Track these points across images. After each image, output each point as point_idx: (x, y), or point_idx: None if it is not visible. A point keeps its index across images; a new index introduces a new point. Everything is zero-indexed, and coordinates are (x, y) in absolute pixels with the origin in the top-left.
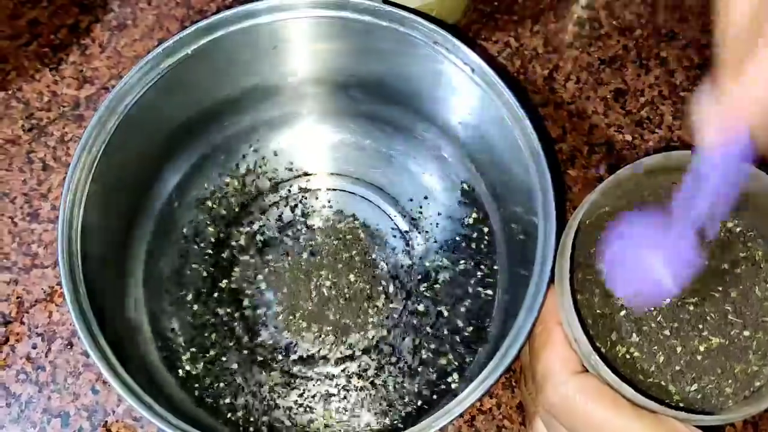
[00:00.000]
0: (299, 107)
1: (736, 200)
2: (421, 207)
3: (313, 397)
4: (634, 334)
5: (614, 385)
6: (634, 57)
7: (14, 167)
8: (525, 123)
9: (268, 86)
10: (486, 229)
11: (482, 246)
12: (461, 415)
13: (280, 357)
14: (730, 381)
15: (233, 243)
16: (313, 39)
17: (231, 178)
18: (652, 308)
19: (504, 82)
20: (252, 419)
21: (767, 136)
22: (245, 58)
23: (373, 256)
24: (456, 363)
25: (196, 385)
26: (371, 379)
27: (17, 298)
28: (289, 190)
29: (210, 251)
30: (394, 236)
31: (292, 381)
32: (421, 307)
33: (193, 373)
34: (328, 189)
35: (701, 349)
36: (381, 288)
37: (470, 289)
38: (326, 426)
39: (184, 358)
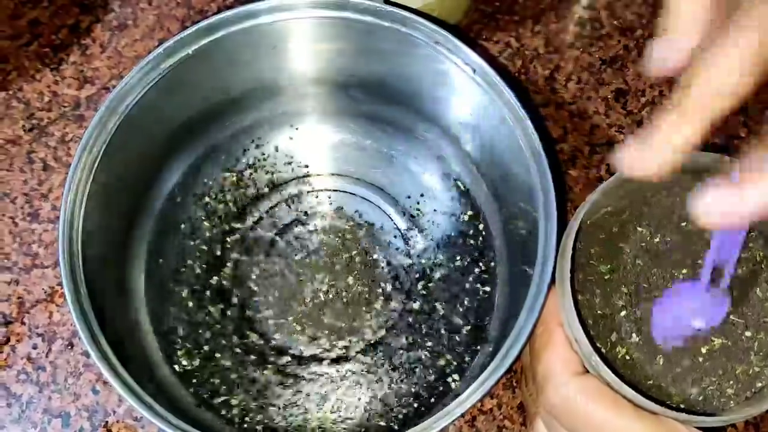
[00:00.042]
0: (300, 107)
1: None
2: (419, 204)
3: (308, 396)
4: (635, 335)
5: (615, 386)
6: (635, 57)
7: (15, 167)
8: (526, 123)
9: (269, 86)
10: (482, 226)
11: (479, 242)
12: (462, 416)
13: (272, 357)
14: (731, 382)
15: (228, 239)
16: (314, 39)
17: (230, 173)
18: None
19: (505, 83)
20: (247, 418)
21: None
22: (246, 58)
23: (374, 256)
24: (455, 363)
25: (193, 381)
26: (367, 379)
27: (18, 298)
28: (289, 190)
29: (204, 247)
30: (395, 236)
31: (286, 380)
32: (418, 306)
33: (189, 368)
34: (328, 189)
35: (702, 350)
36: (380, 290)
37: (468, 286)
38: (320, 427)
39: (179, 353)
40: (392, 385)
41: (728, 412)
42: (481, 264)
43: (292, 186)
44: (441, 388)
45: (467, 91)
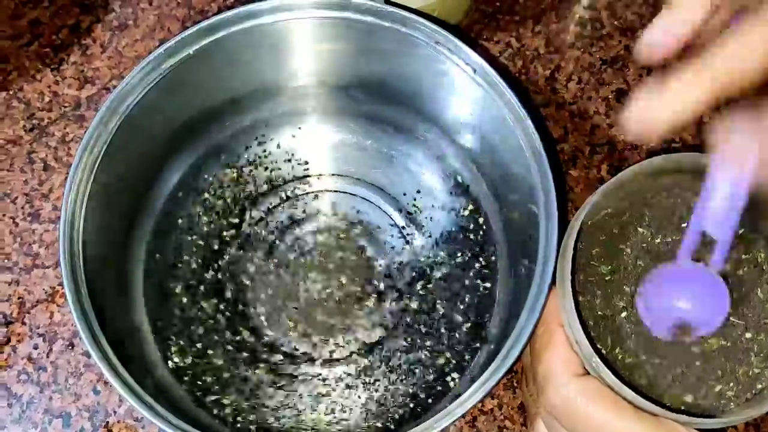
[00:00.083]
0: (300, 107)
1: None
2: (418, 203)
3: (301, 397)
4: (636, 337)
5: (615, 388)
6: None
7: (15, 167)
8: (527, 123)
9: (270, 86)
10: (482, 220)
11: (479, 237)
12: (463, 416)
13: (264, 355)
14: (731, 383)
15: (225, 235)
16: (315, 39)
17: (230, 169)
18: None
19: (506, 83)
20: (240, 418)
21: None
22: (247, 58)
23: (369, 255)
24: (454, 361)
25: (185, 379)
26: (362, 379)
27: (18, 298)
28: (288, 189)
29: (201, 242)
30: (393, 235)
31: (278, 380)
32: (416, 306)
33: (181, 366)
34: (329, 190)
35: (703, 351)
36: (373, 288)
37: (467, 282)
38: (314, 428)
39: (173, 349)
40: (390, 386)
41: (728, 413)
42: (481, 259)
43: (291, 185)
44: (439, 388)
45: (468, 92)
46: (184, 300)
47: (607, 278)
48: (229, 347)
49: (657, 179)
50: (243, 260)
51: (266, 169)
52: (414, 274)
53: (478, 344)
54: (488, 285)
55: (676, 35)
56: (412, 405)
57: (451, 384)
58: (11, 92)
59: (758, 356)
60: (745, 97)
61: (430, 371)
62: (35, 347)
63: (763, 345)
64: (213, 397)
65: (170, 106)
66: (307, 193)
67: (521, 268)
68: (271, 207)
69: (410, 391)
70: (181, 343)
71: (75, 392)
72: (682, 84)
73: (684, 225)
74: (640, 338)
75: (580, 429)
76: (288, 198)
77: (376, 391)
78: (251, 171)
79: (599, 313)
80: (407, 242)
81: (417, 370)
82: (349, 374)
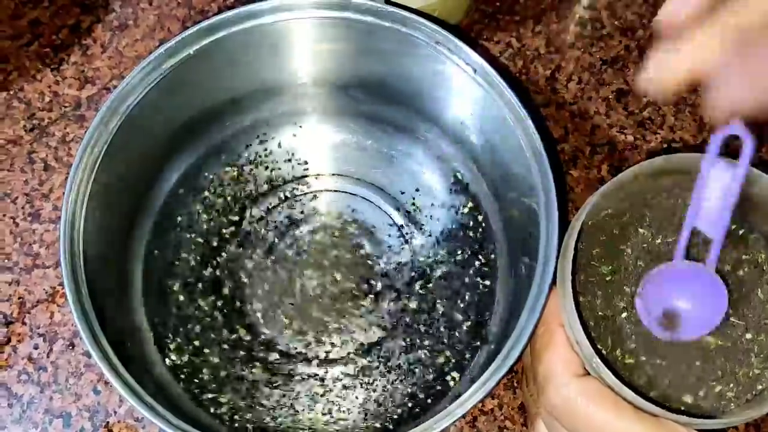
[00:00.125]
0: (301, 107)
1: (737, 203)
2: (418, 202)
3: (297, 397)
4: (636, 337)
5: (616, 388)
6: (636, 57)
7: (16, 167)
8: (527, 123)
9: (270, 86)
10: (481, 217)
11: (479, 234)
12: (463, 416)
13: (261, 353)
14: (732, 384)
15: (224, 232)
16: (315, 40)
17: (231, 167)
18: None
19: (506, 83)
20: (236, 416)
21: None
22: (247, 58)
23: (368, 254)
24: (454, 360)
25: (182, 377)
26: (360, 380)
27: (19, 298)
28: (288, 188)
29: (200, 240)
30: (393, 235)
31: (274, 379)
32: (414, 305)
33: (178, 363)
34: (328, 189)
35: (703, 352)
36: (369, 287)
37: (468, 280)
38: (311, 428)
39: (171, 347)
40: (388, 386)
41: (729, 414)
42: (481, 256)
43: (291, 184)
44: (439, 387)
45: (468, 92)
46: (182, 298)
47: (607, 279)
48: (226, 346)
49: (657, 180)
50: (241, 258)
51: (266, 168)
52: (413, 273)
53: (478, 343)
54: (488, 283)
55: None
56: (411, 405)
57: (451, 383)
58: (11, 92)
59: (758, 357)
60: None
61: (430, 370)
62: (36, 347)
63: (764, 346)
64: (210, 395)
65: (171, 106)
66: (307, 193)
67: (521, 267)
68: (271, 206)
69: (409, 391)
70: (179, 340)
71: (75, 392)
72: (698, 36)
73: None
74: (641, 339)
75: (581, 429)
76: (288, 197)
77: (375, 391)
78: (252, 170)
79: (600, 313)
80: (406, 241)
81: (416, 370)
82: (347, 374)
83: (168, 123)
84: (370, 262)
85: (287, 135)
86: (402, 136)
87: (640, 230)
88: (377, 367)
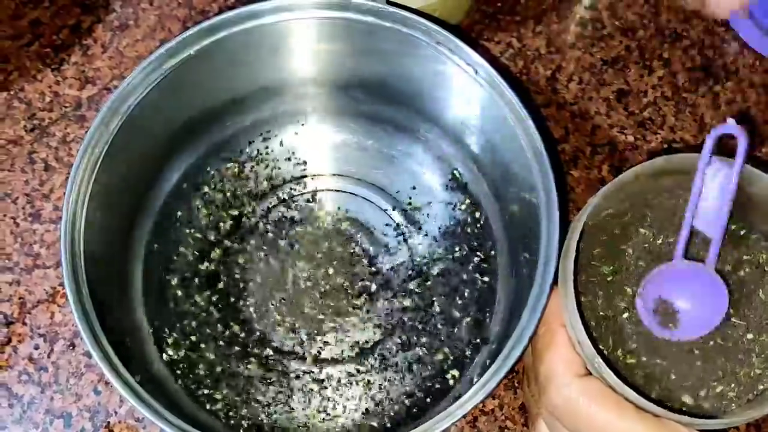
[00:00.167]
0: (301, 107)
1: (737, 203)
2: (418, 201)
3: (292, 394)
4: (637, 337)
5: (617, 388)
6: (637, 58)
7: (16, 168)
8: (528, 123)
9: (271, 87)
10: (479, 215)
11: (477, 230)
12: (464, 416)
13: (256, 350)
14: (733, 384)
15: (222, 227)
16: (316, 40)
17: (232, 163)
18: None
19: (506, 83)
20: (231, 413)
21: None
22: (247, 58)
23: (368, 254)
24: (453, 357)
25: (179, 372)
26: (356, 378)
27: (19, 298)
28: (289, 188)
29: (199, 235)
30: (392, 234)
31: (269, 375)
32: (411, 303)
33: (175, 359)
34: (329, 189)
35: (704, 352)
36: (365, 285)
37: (466, 276)
38: (306, 425)
39: (168, 341)
40: (386, 384)
41: (730, 414)
42: (480, 253)
43: (291, 183)
44: (438, 386)
45: (468, 92)
46: (179, 293)
47: (608, 279)
48: (221, 341)
49: (658, 180)
50: (238, 253)
51: (267, 166)
52: (411, 272)
53: (478, 340)
54: (487, 279)
55: None
56: (409, 404)
57: (451, 381)
58: (12, 92)
59: (759, 357)
60: None
61: (429, 368)
62: (36, 347)
63: (765, 346)
64: (206, 391)
65: (171, 107)
66: (307, 192)
67: (522, 266)
68: (270, 205)
69: (408, 389)
70: (175, 335)
71: (76, 392)
72: None
73: None
74: (642, 339)
75: (582, 429)
76: (287, 197)
77: (372, 389)
78: (253, 167)
79: (601, 313)
80: (405, 240)
81: (414, 368)
82: (342, 372)
83: (169, 123)
84: (371, 261)
85: (289, 133)
86: (402, 136)
87: (641, 230)
88: (374, 366)
